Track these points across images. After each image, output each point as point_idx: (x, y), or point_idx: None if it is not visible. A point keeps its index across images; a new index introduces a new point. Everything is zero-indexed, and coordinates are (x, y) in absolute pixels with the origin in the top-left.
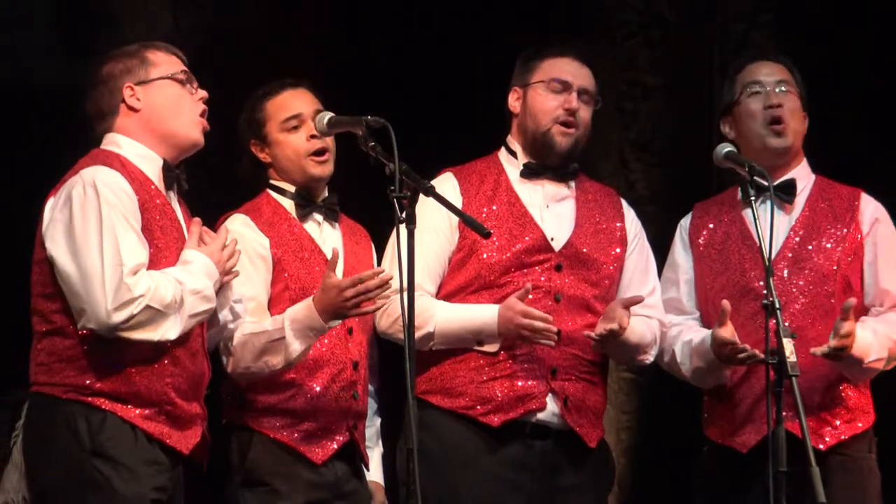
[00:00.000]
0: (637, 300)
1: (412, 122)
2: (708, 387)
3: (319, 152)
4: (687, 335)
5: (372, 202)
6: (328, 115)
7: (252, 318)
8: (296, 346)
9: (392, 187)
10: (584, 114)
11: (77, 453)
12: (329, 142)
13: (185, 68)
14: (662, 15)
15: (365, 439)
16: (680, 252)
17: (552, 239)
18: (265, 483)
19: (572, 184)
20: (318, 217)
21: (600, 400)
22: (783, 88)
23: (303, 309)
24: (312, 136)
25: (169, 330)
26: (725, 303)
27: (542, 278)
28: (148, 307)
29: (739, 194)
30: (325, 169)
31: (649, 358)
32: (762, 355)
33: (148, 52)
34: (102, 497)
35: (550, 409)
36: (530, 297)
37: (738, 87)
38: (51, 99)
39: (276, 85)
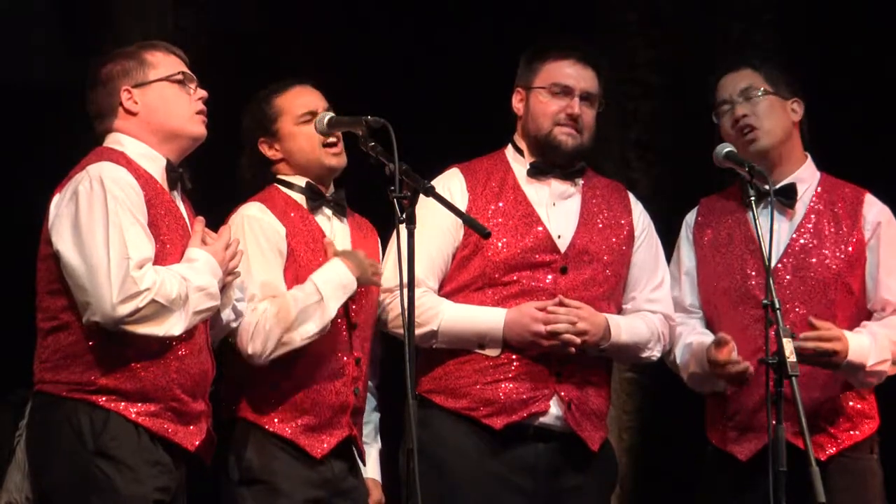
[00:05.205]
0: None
1: (412, 122)
2: (704, 392)
3: (333, 143)
4: (689, 337)
5: (373, 202)
6: (328, 115)
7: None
8: (332, 306)
9: (392, 187)
10: (588, 117)
11: (80, 453)
12: (339, 134)
13: (185, 69)
14: (663, 14)
15: (363, 435)
16: (684, 250)
17: (559, 237)
18: (263, 481)
19: (579, 181)
20: (328, 211)
21: (604, 402)
22: (749, 95)
23: (331, 268)
24: None
25: (174, 326)
26: (727, 338)
27: (548, 279)
28: (153, 301)
29: (742, 196)
30: (340, 160)
31: (655, 354)
32: (752, 371)
33: (147, 52)
34: (105, 497)
35: (553, 413)
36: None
37: (714, 106)
38: (51, 99)
39: (282, 83)
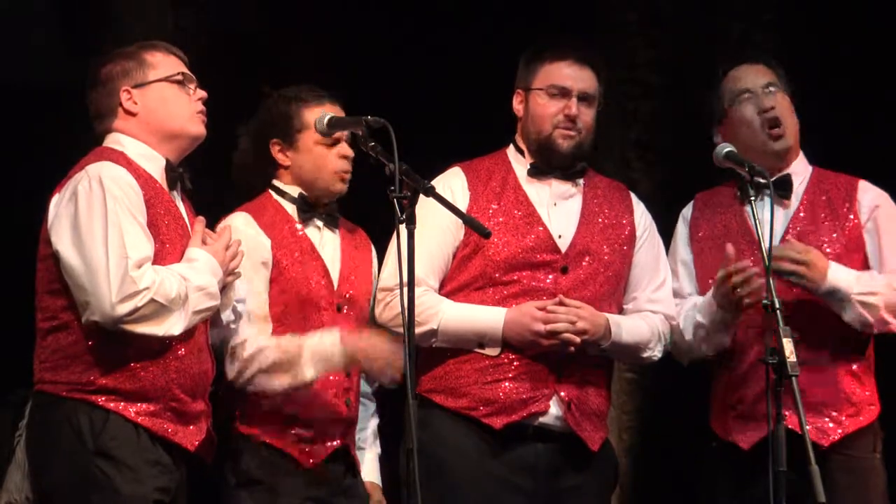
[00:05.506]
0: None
1: (412, 122)
2: (709, 351)
3: (346, 171)
4: (691, 301)
5: (373, 202)
6: (328, 115)
7: (256, 329)
8: (309, 373)
9: (392, 187)
10: (586, 117)
11: (80, 453)
12: (351, 165)
13: (185, 69)
14: (663, 14)
15: (355, 445)
16: (681, 243)
17: (559, 237)
18: (261, 481)
19: (580, 181)
20: (319, 223)
21: (604, 402)
22: (772, 90)
23: (328, 341)
24: (344, 156)
25: (173, 325)
26: (729, 246)
27: (549, 279)
28: (152, 301)
29: (738, 192)
30: (345, 187)
31: (656, 354)
32: (760, 278)
33: (146, 53)
34: (105, 497)
35: (553, 413)
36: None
37: (726, 94)
38: (51, 99)
39: (314, 95)
